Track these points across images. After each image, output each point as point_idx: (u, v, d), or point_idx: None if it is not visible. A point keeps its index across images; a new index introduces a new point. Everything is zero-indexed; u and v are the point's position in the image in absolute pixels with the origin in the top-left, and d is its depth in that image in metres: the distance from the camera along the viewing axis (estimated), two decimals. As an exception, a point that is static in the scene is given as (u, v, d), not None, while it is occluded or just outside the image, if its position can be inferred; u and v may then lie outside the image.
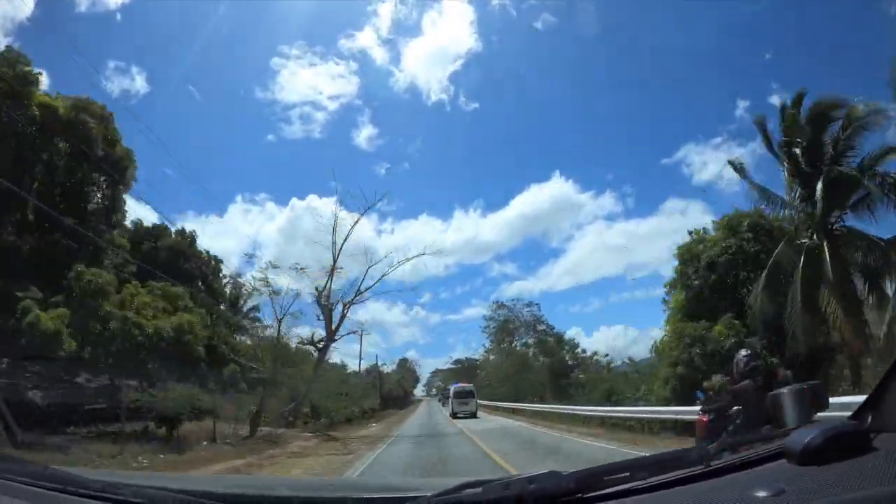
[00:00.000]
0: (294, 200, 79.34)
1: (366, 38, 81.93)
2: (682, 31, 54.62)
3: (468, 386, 37.25)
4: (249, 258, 45.60)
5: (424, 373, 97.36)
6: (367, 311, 70.67)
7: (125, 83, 44.84)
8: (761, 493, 1.04)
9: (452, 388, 36.72)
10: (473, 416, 31.71)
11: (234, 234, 61.22)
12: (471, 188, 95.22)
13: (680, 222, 64.38)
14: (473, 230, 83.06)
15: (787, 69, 49.33)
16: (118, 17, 50.80)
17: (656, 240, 64.90)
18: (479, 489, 1.34)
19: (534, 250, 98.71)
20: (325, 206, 64.65)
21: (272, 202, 73.78)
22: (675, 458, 1.38)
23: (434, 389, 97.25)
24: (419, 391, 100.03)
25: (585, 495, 1.26)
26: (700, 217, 55.41)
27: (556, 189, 74.50)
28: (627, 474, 1.30)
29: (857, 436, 1.15)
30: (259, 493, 1.94)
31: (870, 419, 1.20)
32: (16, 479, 1.66)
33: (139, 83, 49.48)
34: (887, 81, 13.31)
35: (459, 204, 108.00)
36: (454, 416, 31.77)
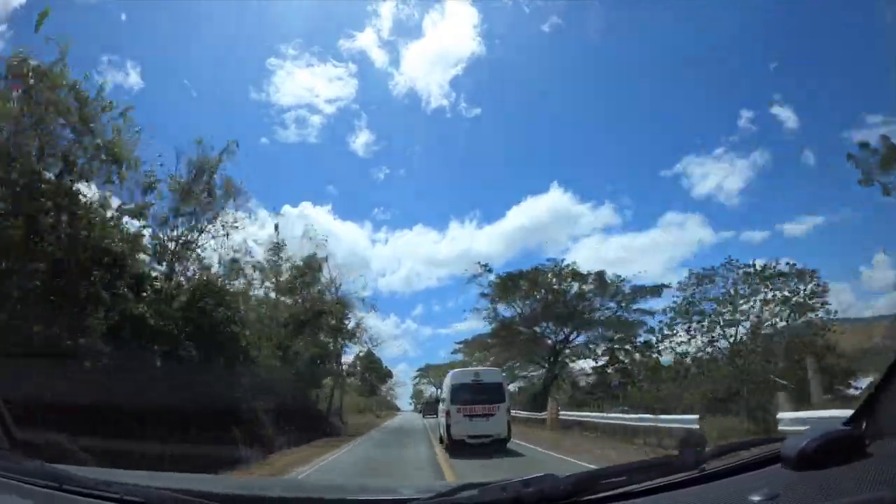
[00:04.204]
0: (286, 207, 77.22)
1: (365, 39, 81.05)
2: (685, 41, 54.74)
3: (489, 373, 16.68)
4: None
5: (407, 379, 76.08)
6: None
7: (118, 77, 43.95)
8: (756, 498, 1.05)
9: (450, 378, 16.21)
10: (502, 443, 14.38)
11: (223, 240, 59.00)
12: (468, 198, 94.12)
13: (678, 236, 64.61)
14: (469, 241, 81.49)
15: (791, 80, 49.52)
16: (111, 8, 50.16)
17: (654, 254, 63.64)
18: (475, 491, 1.35)
19: (529, 262, 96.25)
20: (319, 213, 62.76)
21: (263, 209, 72.56)
22: (671, 462, 1.39)
23: (420, 405, 62.14)
24: (405, 403, 79.42)
25: (581, 498, 1.26)
26: (699, 230, 54.65)
27: (554, 200, 73.12)
28: (623, 478, 1.30)
29: (852, 441, 1.15)
30: (256, 494, 1.94)
31: (865, 425, 1.20)
32: (11, 477, 1.66)
33: (133, 78, 48.56)
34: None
35: (455, 214, 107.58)
36: (451, 444, 14.35)
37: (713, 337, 22.46)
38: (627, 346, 30.87)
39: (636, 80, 63.21)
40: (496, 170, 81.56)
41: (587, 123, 69.59)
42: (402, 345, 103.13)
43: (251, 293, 21.80)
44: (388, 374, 63.45)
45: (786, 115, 56.70)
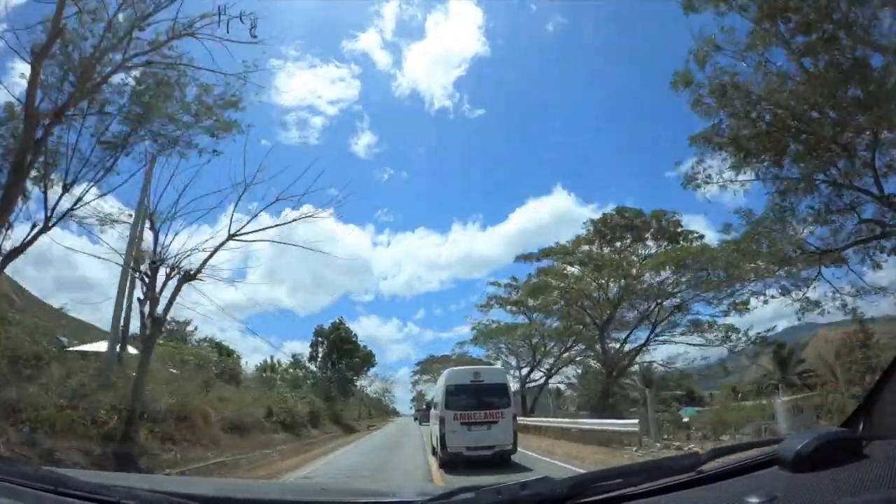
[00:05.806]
0: (287, 210, 75.85)
1: (368, 40, 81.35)
2: (690, 40, 54.71)
3: (491, 373, 14.18)
4: None
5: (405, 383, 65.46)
6: (361, 327, 57.73)
7: (116, 77, 43.39)
8: (753, 500, 1.05)
9: (444, 378, 13.62)
10: (506, 459, 12.05)
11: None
12: (470, 200, 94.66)
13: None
14: (470, 244, 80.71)
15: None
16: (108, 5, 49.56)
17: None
18: (472, 494, 1.34)
19: (530, 266, 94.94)
20: (319, 217, 60.77)
21: (264, 212, 71.76)
22: (667, 465, 1.38)
23: (418, 411, 45.79)
24: (405, 407, 72.15)
25: (578, 501, 1.26)
26: (702, 233, 52.81)
27: (557, 202, 72.43)
28: (620, 480, 1.30)
29: (848, 443, 1.16)
30: (250, 497, 1.93)
31: (861, 427, 1.21)
32: (7, 479, 1.65)
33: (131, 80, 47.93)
34: None
35: (458, 216, 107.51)
36: (446, 455, 12.00)
37: None
38: None
39: (641, 80, 63.40)
40: (499, 171, 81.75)
41: (592, 124, 69.68)
42: (404, 349, 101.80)
43: None
44: (368, 359, 41.61)
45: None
